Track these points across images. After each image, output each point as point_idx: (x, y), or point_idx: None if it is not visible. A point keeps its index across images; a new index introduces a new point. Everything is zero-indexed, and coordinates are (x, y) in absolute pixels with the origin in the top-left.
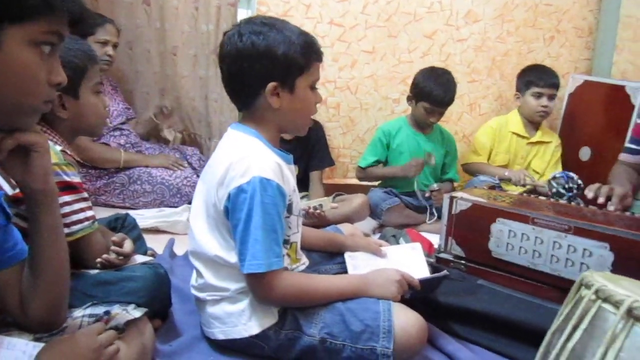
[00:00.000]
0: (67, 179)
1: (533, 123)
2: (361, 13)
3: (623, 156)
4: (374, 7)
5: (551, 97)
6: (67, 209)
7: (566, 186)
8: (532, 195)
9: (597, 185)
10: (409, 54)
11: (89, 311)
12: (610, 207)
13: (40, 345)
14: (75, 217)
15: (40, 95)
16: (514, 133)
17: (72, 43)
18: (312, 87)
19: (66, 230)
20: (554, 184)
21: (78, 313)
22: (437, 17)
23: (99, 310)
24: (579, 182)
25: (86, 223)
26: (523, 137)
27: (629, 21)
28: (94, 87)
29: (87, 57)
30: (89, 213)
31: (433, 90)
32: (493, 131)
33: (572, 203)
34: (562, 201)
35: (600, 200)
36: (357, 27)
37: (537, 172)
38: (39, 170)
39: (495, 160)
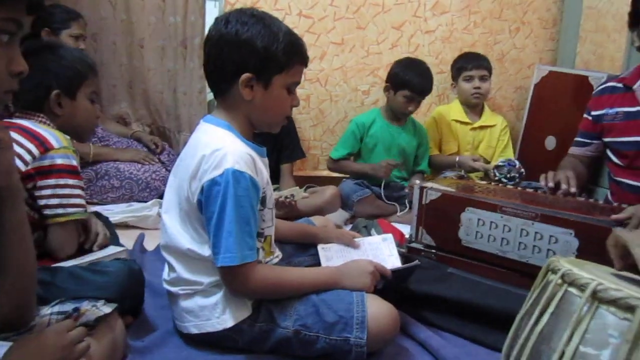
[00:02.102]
0: (74, 163)
1: (474, 109)
2: (330, 5)
3: (571, 149)
4: None
5: (482, 78)
6: (67, 191)
7: (508, 175)
8: (493, 183)
9: (551, 173)
10: (377, 46)
11: (57, 308)
12: (572, 190)
13: (8, 344)
14: (73, 201)
15: (0, 85)
16: (455, 120)
17: (78, 52)
18: (290, 89)
19: (61, 211)
20: (497, 173)
21: (46, 311)
22: (405, 8)
23: (68, 307)
24: (522, 170)
25: (81, 209)
26: (465, 123)
27: (590, 12)
28: (90, 95)
29: (89, 67)
30: (83, 201)
31: (413, 79)
32: (435, 122)
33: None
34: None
35: (564, 187)
36: (326, 19)
37: (487, 160)
38: (3, 167)
39: (445, 150)
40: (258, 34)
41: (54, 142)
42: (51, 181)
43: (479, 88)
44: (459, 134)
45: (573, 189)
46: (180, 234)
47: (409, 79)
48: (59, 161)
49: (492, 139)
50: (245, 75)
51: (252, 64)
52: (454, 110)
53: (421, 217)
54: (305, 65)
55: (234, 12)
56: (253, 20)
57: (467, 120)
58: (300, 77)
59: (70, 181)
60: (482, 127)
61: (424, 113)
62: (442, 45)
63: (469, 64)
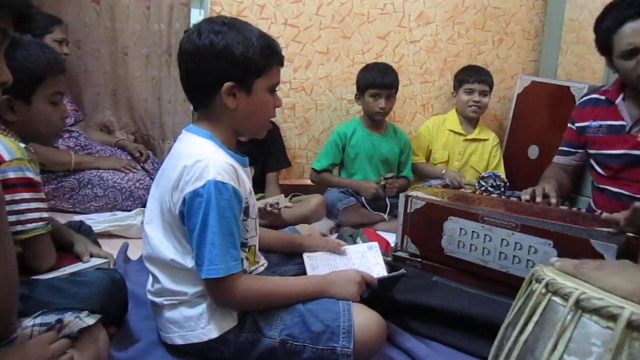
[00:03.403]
0: (29, 175)
1: (469, 121)
2: (315, 14)
3: (556, 158)
4: (328, 8)
5: (482, 93)
6: (24, 206)
7: (494, 184)
8: (478, 193)
9: (530, 189)
10: (362, 55)
11: (39, 320)
12: (553, 201)
13: None
14: (30, 216)
15: None
16: (450, 130)
17: (37, 49)
18: (271, 91)
19: (20, 228)
20: (483, 183)
21: (28, 322)
22: (389, 18)
23: (50, 318)
24: (505, 180)
25: (40, 223)
26: (459, 133)
27: (572, 24)
28: (51, 96)
29: (49, 66)
30: (44, 214)
31: (373, 75)
32: (429, 130)
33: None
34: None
35: (538, 199)
36: (311, 28)
37: (477, 171)
38: None
39: (435, 158)
40: (233, 41)
41: (4, 154)
42: (6, 197)
43: (478, 102)
44: (451, 144)
45: (553, 200)
46: (163, 244)
47: (368, 77)
48: (11, 175)
49: (485, 152)
50: (227, 85)
51: (233, 72)
52: (450, 120)
53: (406, 225)
54: (282, 65)
55: (203, 22)
56: (226, 28)
57: (461, 131)
58: (279, 77)
59: (26, 195)
60: (475, 140)
61: (409, 122)
62: (426, 55)
63: (471, 77)
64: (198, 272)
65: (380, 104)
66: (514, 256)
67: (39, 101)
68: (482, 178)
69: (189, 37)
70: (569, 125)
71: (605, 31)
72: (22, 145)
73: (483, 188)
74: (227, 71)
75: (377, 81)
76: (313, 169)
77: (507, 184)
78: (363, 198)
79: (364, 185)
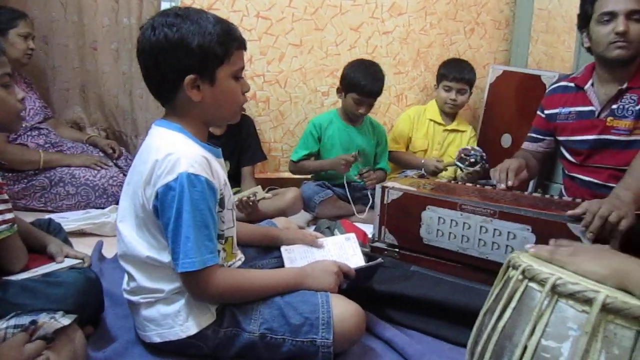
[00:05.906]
0: None
1: (448, 113)
2: (288, 6)
3: (524, 144)
4: (301, 0)
5: (460, 92)
6: None
7: (473, 166)
8: (453, 181)
9: (496, 171)
10: (336, 47)
11: (13, 322)
12: (509, 182)
13: None
14: None
15: None
16: (431, 120)
17: None
18: (236, 77)
19: None
20: (463, 167)
21: (2, 325)
22: (362, 10)
23: (24, 320)
24: (484, 155)
25: (4, 226)
26: (439, 124)
27: (541, 13)
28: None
29: None
30: (8, 216)
31: (361, 81)
32: (410, 119)
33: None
34: (476, 169)
35: (509, 183)
36: (284, 20)
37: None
38: None
39: (415, 146)
40: (188, 32)
41: None
42: None
43: (454, 100)
44: (432, 133)
45: (510, 182)
46: (137, 242)
47: (357, 82)
48: None
49: (463, 143)
50: (188, 78)
51: (192, 65)
52: (431, 111)
53: (383, 216)
54: (245, 49)
55: (157, 16)
56: (179, 20)
57: (441, 121)
58: (242, 61)
59: None
60: (453, 130)
61: (383, 113)
62: (399, 46)
63: (450, 74)
64: (174, 266)
65: (361, 109)
66: (493, 242)
67: None
68: (461, 159)
69: (143, 33)
70: (538, 112)
71: None
72: None
73: (467, 163)
74: (187, 64)
75: (366, 90)
76: (291, 160)
77: (485, 158)
78: (347, 190)
79: (334, 162)
